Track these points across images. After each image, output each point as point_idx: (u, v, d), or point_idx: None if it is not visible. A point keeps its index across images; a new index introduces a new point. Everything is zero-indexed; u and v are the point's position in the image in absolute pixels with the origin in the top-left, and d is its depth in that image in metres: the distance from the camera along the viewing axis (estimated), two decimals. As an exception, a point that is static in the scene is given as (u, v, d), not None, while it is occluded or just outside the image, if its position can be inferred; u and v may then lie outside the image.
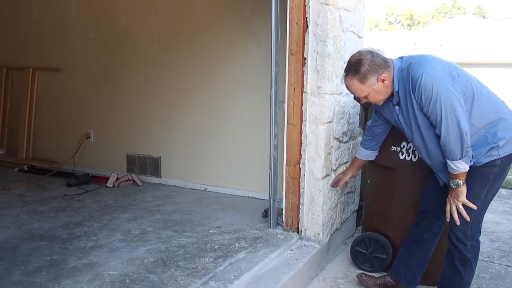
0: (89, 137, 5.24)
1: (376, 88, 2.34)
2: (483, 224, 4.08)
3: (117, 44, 4.92)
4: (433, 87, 2.16)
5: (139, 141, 4.93)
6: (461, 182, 2.27)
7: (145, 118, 4.84)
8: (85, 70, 5.18)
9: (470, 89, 2.25)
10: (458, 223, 2.32)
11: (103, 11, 4.96)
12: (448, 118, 2.16)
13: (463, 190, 2.29)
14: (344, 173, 3.03)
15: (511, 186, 5.89)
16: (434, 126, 2.26)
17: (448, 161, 2.25)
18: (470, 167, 2.28)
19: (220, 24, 4.30)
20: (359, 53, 2.37)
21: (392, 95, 2.40)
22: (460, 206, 2.31)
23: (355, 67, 2.33)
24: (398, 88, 2.34)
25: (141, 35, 4.77)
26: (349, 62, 2.39)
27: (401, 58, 2.39)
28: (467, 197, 2.31)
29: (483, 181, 2.32)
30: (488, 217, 4.42)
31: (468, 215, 2.32)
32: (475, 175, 2.30)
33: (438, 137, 2.27)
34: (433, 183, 2.57)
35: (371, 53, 2.34)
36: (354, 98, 3.10)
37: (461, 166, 2.23)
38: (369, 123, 2.82)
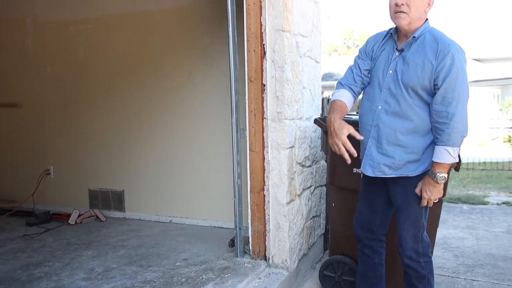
0: (49, 174, 5.09)
1: (424, 2, 2.23)
2: (447, 240, 4.22)
3: (75, 79, 4.84)
4: (462, 65, 2.16)
5: (101, 175, 4.82)
6: (446, 176, 2.22)
7: (107, 151, 4.75)
8: (43, 105, 5.06)
9: None
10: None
11: (60, 45, 4.89)
12: (460, 97, 2.14)
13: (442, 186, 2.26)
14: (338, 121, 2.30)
15: (472, 201, 6.04)
16: (428, 96, 2.21)
17: (446, 147, 2.16)
18: (419, 174, 2.29)
19: (179, 54, 4.31)
20: None
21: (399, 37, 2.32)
22: (431, 204, 2.28)
23: None
24: (418, 37, 2.25)
25: (99, 68, 4.71)
26: None
27: None
28: (416, 208, 2.31)
29: None
30: (451, 232, 4.52)
31: (418, 227, 2.33)
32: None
33: (421, 112, 2.23)
34: (363, 205, 2.59)
35: None
36: (315, 122, 3.15)
37: (456, 155, 2.19)
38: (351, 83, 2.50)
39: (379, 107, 2.33)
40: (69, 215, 4.52)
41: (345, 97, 2.44)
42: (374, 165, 2.37)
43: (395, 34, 2.35)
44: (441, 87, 2.15)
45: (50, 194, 5.05)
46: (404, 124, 2.26)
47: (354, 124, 2.35)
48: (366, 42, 2.51)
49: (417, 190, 2.29)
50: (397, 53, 2.31)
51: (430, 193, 2.25)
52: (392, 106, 2.29)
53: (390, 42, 2.37)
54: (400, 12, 2.21)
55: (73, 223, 4.45)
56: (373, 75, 2.42)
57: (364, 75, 2.45)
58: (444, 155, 2.18)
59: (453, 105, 2.13)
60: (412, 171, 2.30)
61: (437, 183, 2.22)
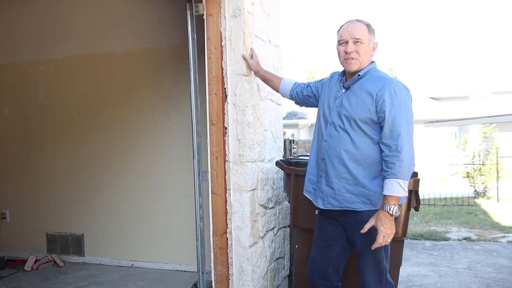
0: (5, 217, 4.91)
1: (370, 47, 2.40)
2: (411, 278, 4.25)
3: (35, 120, 4.76)
4: (405, 101, 2.26)
5: (60, 219, 4.68)
6: (399, 209, 2.21)
7: (66, 194, 4.63)
8: (0, 147, 4.93)
9: None
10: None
11: (20, 87, 4.81)
12: (408, 132, 2.22)
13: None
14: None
15: (434, 237, 6.13)
16: (371, 130, 2.29)
17: (397, 180, 2.18)
18: (367, 211, 2.30)
19: (142, 95, 4.31)
20: None
21: (346, 78, 2.46)
22: (389, 240, 2.22)
23: (367, 23, 2.41)
24: (363, 76, 2.38)
25: (60, 110, 4.65)
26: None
27: None
28: (376, 252, 2.29)
29: None
30: (415, 270, 4.56)
31: (381, 270, 2.33)
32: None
33: (363, 145, 2.30)
34: (316, 250, 2.57)
35: None
36: (276, 164, 3.17)
37: (406, 189, 2.21)
38: (298, 86, 2.89)
39: (325, 141, 2.42)
40: (24, 261, 4.36)
41: (286, 79, 2.99)
42: (324, 197, 2.43)
43: (343, 76, 2.49)
44: (386, 121, 2.24)
45: (5, 239, 4.87)
46: (348, 157, 2.32)
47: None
48: (328, 77, 2.63)
49: (368, 226, 2.24)
50: (343, 90, 2.44)
51: (387, 227, 2.19)
52: (335, 139, 2.37)
53: (339, 83, 2.49)
54: (351, 58, 2.36)
55: (29, 269, 4.28)
56: (320, 112, 2.54)
57: (307, 93, 2.78)
58: (396, 188, 2.19)
59: (401, 138, 2.20)
60: (358, 205, 2.32)
61: (392, 215, 2.20)
